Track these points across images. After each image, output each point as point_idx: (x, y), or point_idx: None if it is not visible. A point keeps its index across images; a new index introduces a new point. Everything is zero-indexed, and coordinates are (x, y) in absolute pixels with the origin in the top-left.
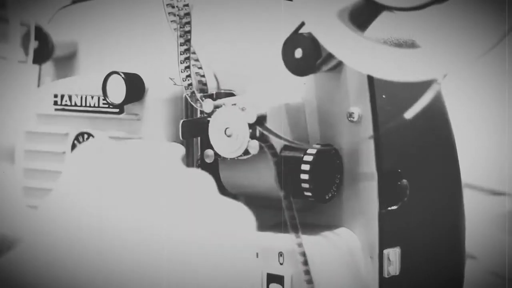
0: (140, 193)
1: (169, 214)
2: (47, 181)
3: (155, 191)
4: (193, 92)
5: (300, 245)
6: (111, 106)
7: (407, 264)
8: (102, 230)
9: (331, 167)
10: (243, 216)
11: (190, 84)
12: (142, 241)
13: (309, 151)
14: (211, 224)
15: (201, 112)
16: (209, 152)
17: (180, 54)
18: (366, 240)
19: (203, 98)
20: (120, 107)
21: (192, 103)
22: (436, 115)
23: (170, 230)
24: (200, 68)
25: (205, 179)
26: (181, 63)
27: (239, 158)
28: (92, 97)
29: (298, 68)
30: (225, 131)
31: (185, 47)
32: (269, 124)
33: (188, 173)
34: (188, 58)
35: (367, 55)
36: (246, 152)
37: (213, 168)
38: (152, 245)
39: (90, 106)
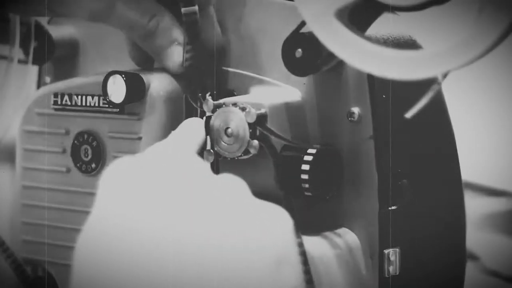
0: (177, 205)
1: (209, 223)
2: (46, 180)
3: (191, 200)
4: (193, 91)
5: (300, 245)
6: (111, 106)
7: (407, 264)
8: (145, 244)
9: (331, 167)
10: (280, 219)
11: (191, 83)
12: (186, 252)
13: (309, 151)
14: (248, 228)
15: (202, 111)
16: (209, 152)
17: (186, 52)
18: (366, 240)
19: (204, 98)
20: (121, 107)
21: (192, 102)
22: (437, 115)
23: (211, 239)
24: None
25: (238, 183)
26: (186, 61)
27: (240, 158)
28: (93, 97)
29: (298, 68)
30: (225, 130)
31: (190, 46)
32: (269, 123)
33: (220, 179)
34: (193, 57)
35: (368, 54)
36: (247, 152)
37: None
38: (196, 254)
39: (90, 106)
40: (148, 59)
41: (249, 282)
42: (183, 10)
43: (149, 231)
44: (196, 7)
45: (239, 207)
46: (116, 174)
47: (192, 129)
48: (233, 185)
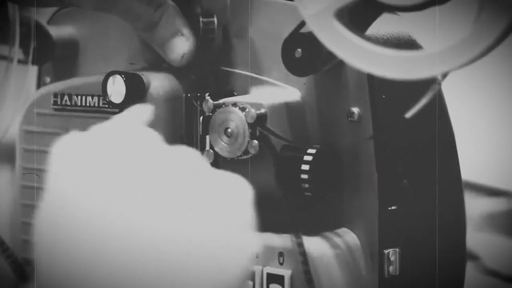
0: (130, 176)
1: (167, 194)
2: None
3: (144, 171)
4: (194, 91)
5: (300, 245)
6: (111, 106)
7: (407, 264)
8: (99, 226)
9: (331, 167)
10: (239, 188)
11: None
12: (139, 222)
13: (309, 151)
14: (207, 198)
15: (202, 111)
16: (209, 152)
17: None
18: (366, 240)
19: (204, 97)
20: (121, 107)
21: (193, 101)
22: (437, 115)
23: (170, 210)
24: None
25: (193, 154)
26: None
27: (239, 158)
28: (93, 97)
29: (298, 68)
30: (225, 131)
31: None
32: (269, 123)
33: (177, 152)
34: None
35: (368, 54)
36: (247, 152)
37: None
38: (146, 234)
39: (90, 106)
40: (160, 60)
41: (216, 248)
42: (201, 19)
43: (101, 203)
44: (214, 19)
45: (198, 177)
46: (65, 149)
47: (139, 110)
48: (189, 156)
